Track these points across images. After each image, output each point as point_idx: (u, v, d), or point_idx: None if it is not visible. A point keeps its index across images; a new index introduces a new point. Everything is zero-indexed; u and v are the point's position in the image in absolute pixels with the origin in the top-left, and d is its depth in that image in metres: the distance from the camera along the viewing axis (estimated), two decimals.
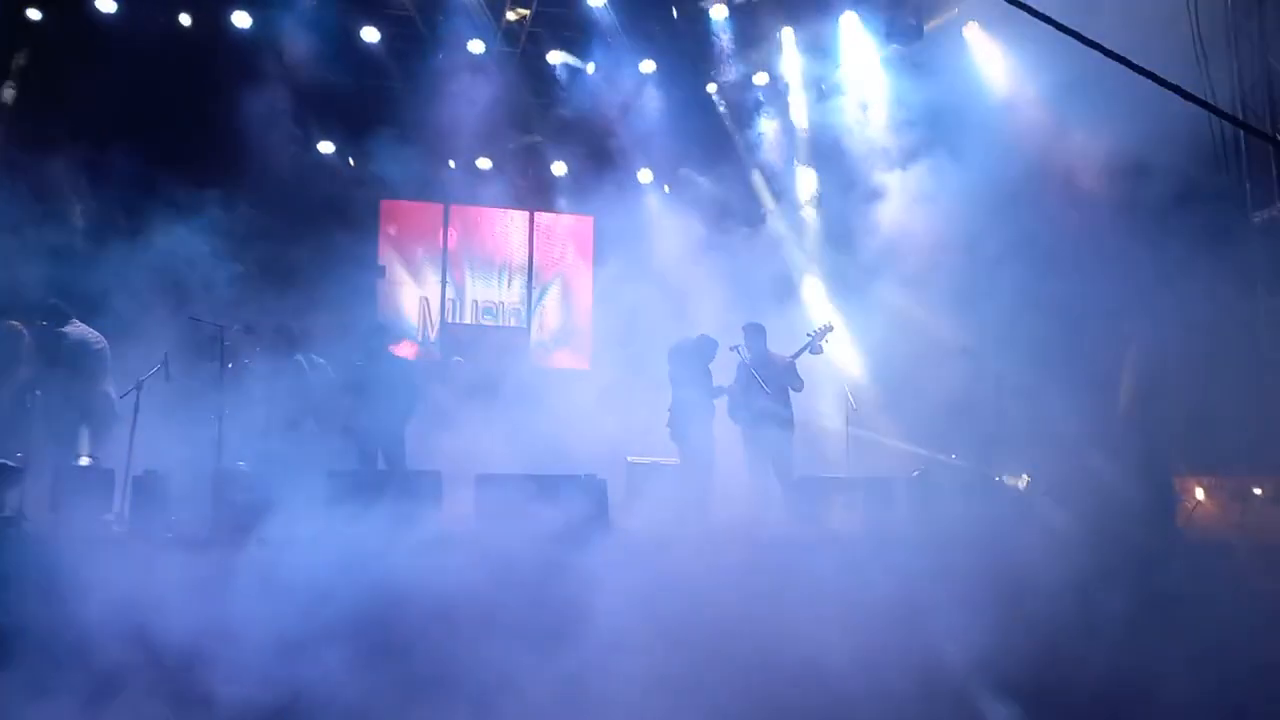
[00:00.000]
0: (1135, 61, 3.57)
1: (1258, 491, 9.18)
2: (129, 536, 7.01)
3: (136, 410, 7.51)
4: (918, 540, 7.65)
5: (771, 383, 9.24)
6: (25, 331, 8.23)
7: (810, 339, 9.49)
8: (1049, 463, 9.02)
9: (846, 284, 10.85)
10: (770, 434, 9.26)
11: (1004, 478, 9.61)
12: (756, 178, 12.85)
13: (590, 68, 12.42)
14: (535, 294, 14.96)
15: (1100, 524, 7.57)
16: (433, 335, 14.28)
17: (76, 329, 8.26)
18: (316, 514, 7.24)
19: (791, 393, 9.49)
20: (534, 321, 14.82)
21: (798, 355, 9.50)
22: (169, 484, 7.35)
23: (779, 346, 9.59)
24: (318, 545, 6.57)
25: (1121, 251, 9.30)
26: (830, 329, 9.56)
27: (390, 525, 6.75)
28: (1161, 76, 3.52)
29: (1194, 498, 9.52)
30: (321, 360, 9.09)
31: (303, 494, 7.38)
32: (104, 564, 6.08)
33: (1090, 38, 3.49)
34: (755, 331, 9.62)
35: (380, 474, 8.16)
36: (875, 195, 11.60)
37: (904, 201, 11.45)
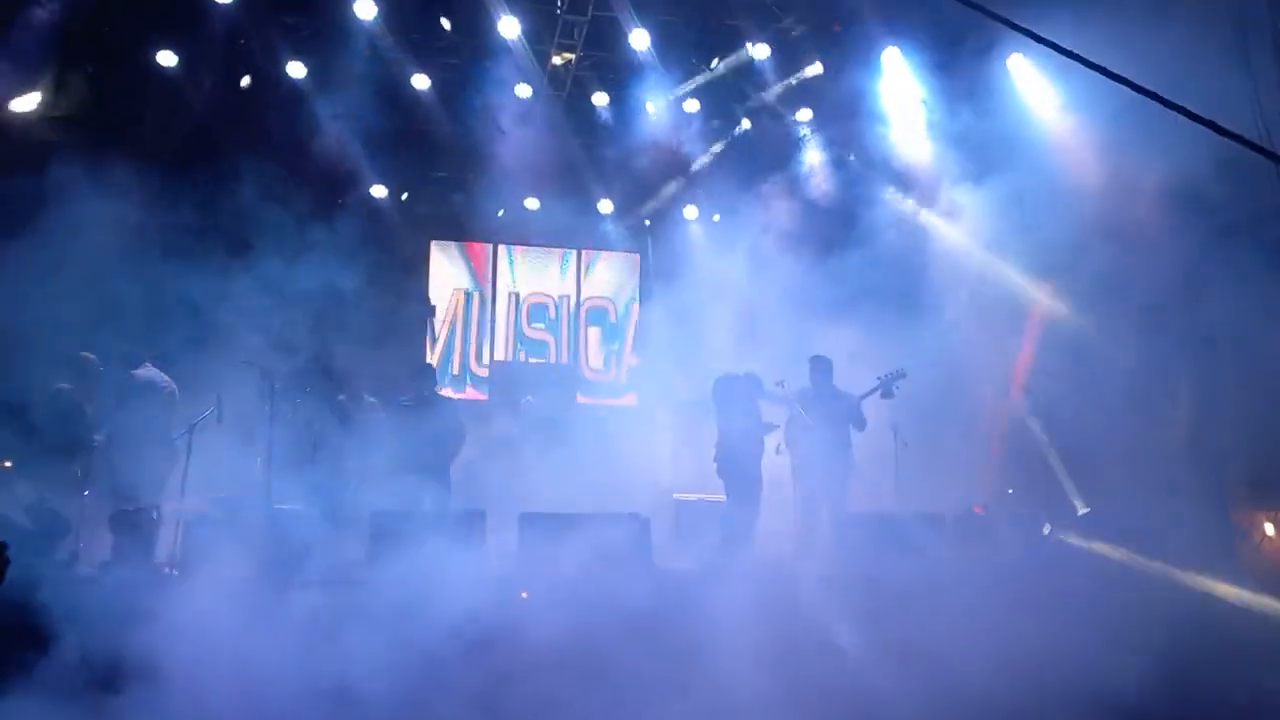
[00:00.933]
0: (1189, 94, 3.52)
1: None
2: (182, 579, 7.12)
3: (190, 453, 7.67)
4: (970, 581, 7.49)
5: (833, 419, 9.19)
6: (98, 365, 8.34)
7: (880, 382, 9.35)
8: (1106, 498, 8.83)
9: (899, 316, 10.74)
10: (826, 471, 9.18)
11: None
12: (802, 211, 12.81)
13: (633, 107, 12.54)
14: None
15: (1156, 560, 7.41)
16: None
17: (147, 371, 8.31)
18: (363, 554, 7.37)
19: (853, 431, 9.40)
20: (581, 357, 14.90)
21: (866, 396, 9.37)
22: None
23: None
24: (367, 586, 6.67)
25: (1181, 283, 9.15)
26: (903, 374, 9.38)
27: (434, 565, 6.83)
28: (1194, 112, 3.46)
29: (1262, 531, 9.26)
30: (372, 399, 9.24)
31: (349, 534, 7.53)
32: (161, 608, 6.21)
33: (1132, 72, 3.46)
34: (821, 365, 9.54)
35: (426, 514, 8.21)
36: (923, 228, 11.57)
37: (952, 235, 11.40)
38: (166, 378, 8.42)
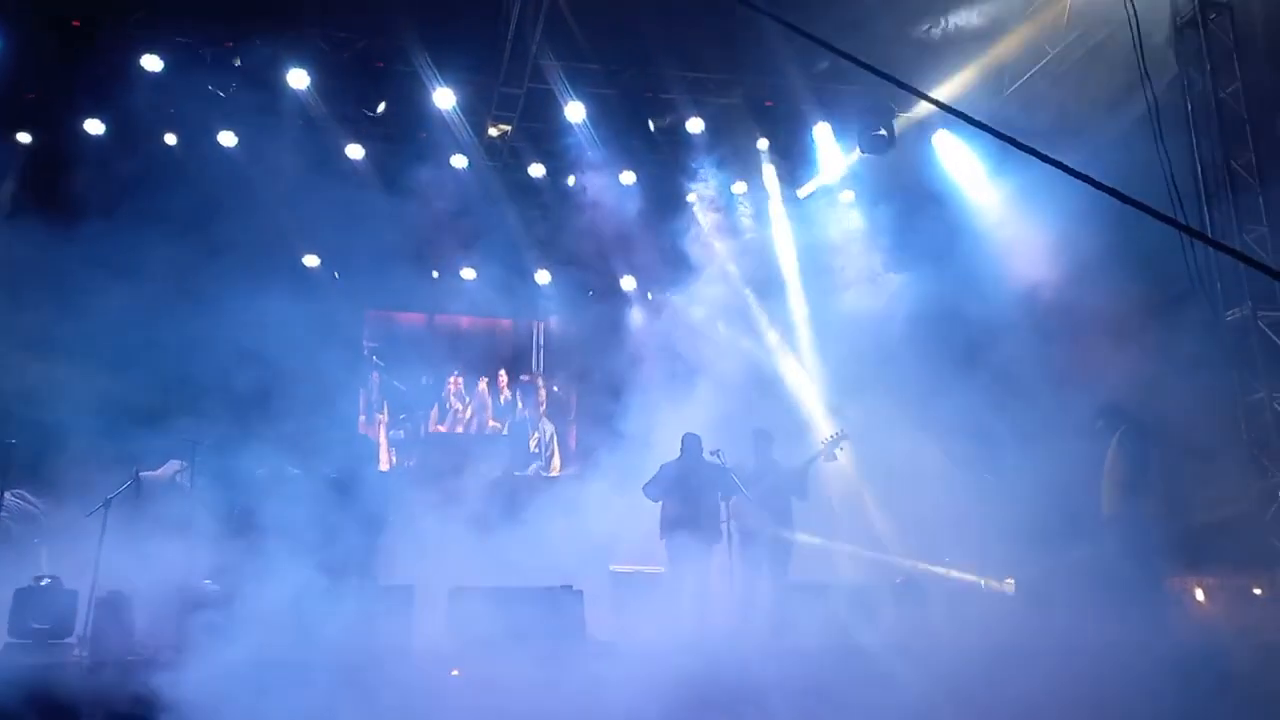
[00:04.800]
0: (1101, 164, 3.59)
1: (1257, 592, 9.02)
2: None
3: (104, 529, 7.37)
4: (909, 649, 7.43)
5: (776, 491, 9.16)
6: None
7: (823, 448, 9.33)
8: (1035, 565, 8.86)
9: (831, 388, 10.85)
10: (768, 543, 9.12)
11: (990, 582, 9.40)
12: (737, 284, 12.95)
13: (571, 180, 12.65)
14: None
15: (1090, 627, 7.42)
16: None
17: None
18: (285, 630, 7.10)
19: (795, 501, 9.36)
20: (517, 428, 14.76)
21: (809, 463, 9.35)
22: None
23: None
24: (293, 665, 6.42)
25: (1098, 353, 9.36)
26: (844, 436, 9.37)
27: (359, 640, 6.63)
28: (1112, 187, 3.49)
29: (1193, 598, 9.36)
30: (296, 471, 9.01)
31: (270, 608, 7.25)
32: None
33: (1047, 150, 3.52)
34: (762, 438, 9.53)
35: (351, 588, 7.97)
36: (853, 303, 11.74)
37: (881, 309, 11.58)
38: None
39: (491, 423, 14.74)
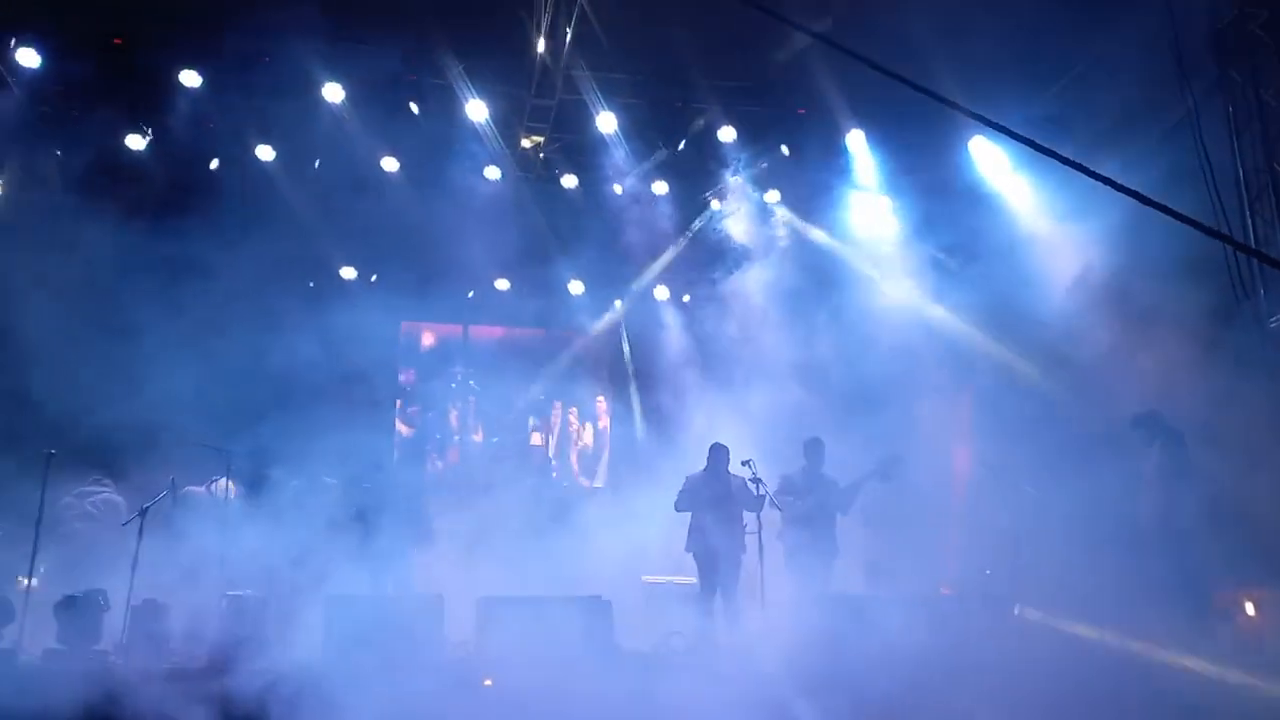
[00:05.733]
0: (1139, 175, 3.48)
1: None
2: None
3: (140, 537, 7.46)
4: (942, 664, 7.35)
5: (823, 504, 9.19)
6: None
7: (876, 468, 9.25)
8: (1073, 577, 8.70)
9: (863, 399, 10.74)
10: (810, 556, 9.07)
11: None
12: (774, 289, 12.85)
13: (604, 189, 12.65)
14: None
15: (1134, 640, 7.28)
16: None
17: None
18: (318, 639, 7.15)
19: (839, 516, 9.32)
20: (550, 440, 14.76)
21: (862, 481, 9.27)
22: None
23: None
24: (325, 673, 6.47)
25: (1140, 362, 9.19)
26: (900, 459, 9.28)
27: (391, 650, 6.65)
28: (1148, 197, 3.41)
29: (1244, 612, 9.13)
30: (331, 480, 9.07)
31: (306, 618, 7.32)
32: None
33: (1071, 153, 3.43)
34: (814, 448, 9.47)
35: (382, 598, 8.01)
36: (887, 308, 11.63)
37: (914, 316, 11.46)
38: None
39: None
